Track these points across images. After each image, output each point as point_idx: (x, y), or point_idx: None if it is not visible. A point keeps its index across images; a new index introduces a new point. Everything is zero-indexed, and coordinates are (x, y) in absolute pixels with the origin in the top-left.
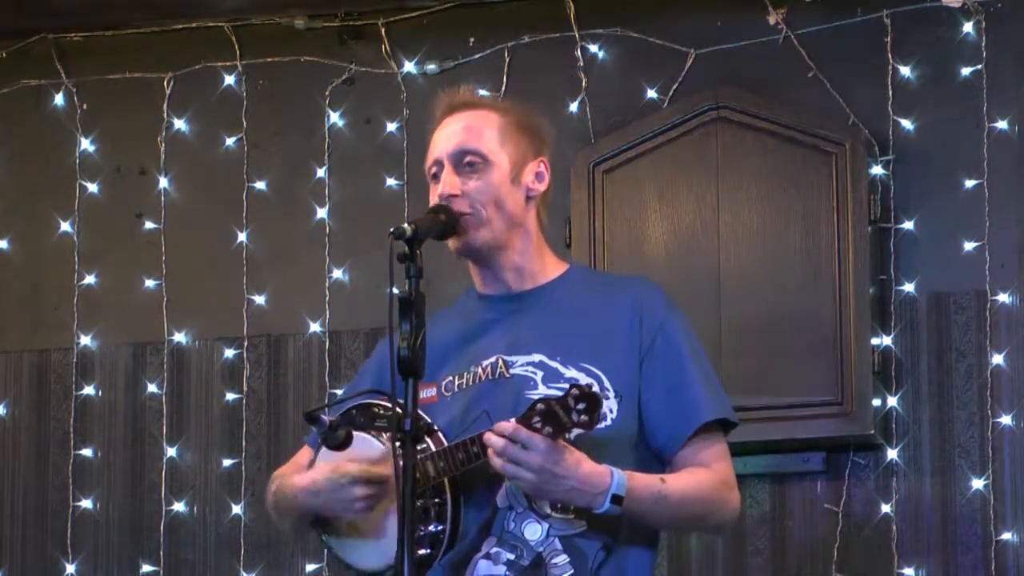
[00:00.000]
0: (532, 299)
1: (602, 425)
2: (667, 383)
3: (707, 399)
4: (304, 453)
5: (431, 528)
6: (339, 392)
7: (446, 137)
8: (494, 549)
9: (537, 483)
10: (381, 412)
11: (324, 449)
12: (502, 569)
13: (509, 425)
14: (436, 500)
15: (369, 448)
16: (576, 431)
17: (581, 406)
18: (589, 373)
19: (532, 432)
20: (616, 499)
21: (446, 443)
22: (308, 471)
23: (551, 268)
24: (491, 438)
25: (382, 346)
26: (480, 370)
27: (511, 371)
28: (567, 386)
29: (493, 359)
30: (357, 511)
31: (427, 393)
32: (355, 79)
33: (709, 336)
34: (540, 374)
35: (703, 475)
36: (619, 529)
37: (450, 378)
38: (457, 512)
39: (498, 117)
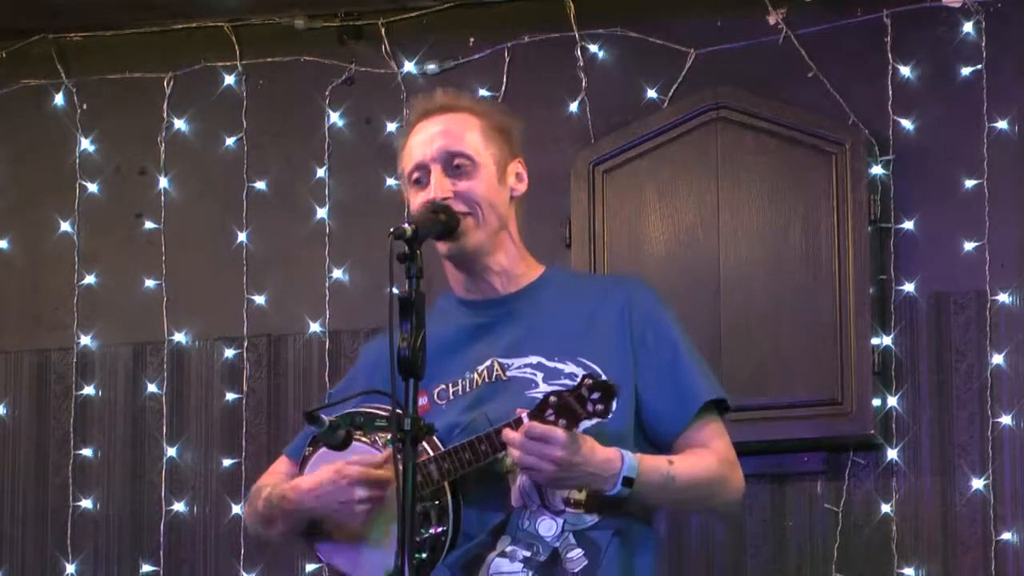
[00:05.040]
0: (519, 301)
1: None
2: (663, 371)
3: (703, 381)
4: (282, 463)
5: (432, 531)
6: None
7: (426, 141)
8: (509, 547)
9: (556, 474)
10: (379, 415)
11: (314, 459)
12: (518, 566)
13: (526, 423)
14: (436, 503)
15: (369, 454)
16: (592, 421)
17: (596, 395)
18: (586, 368)
19: (548, 426)
20: (627, 481)
21: (442, 447)
22: (307, 475)
23: (532, 270)
24: (509, 434)
25: (370, 351)
26: (476, 375)
27: (508, 374)
28: (578, 378)
29: (488, 363)
30: (358, 513)
31: (419, 401)
32: (355, 79)
33: (709, 336)
34: (540, 375)
35: (706, 455)
36: (629, 516)
37: (443, 386)
38: (458, 513)
39: (476, 120)
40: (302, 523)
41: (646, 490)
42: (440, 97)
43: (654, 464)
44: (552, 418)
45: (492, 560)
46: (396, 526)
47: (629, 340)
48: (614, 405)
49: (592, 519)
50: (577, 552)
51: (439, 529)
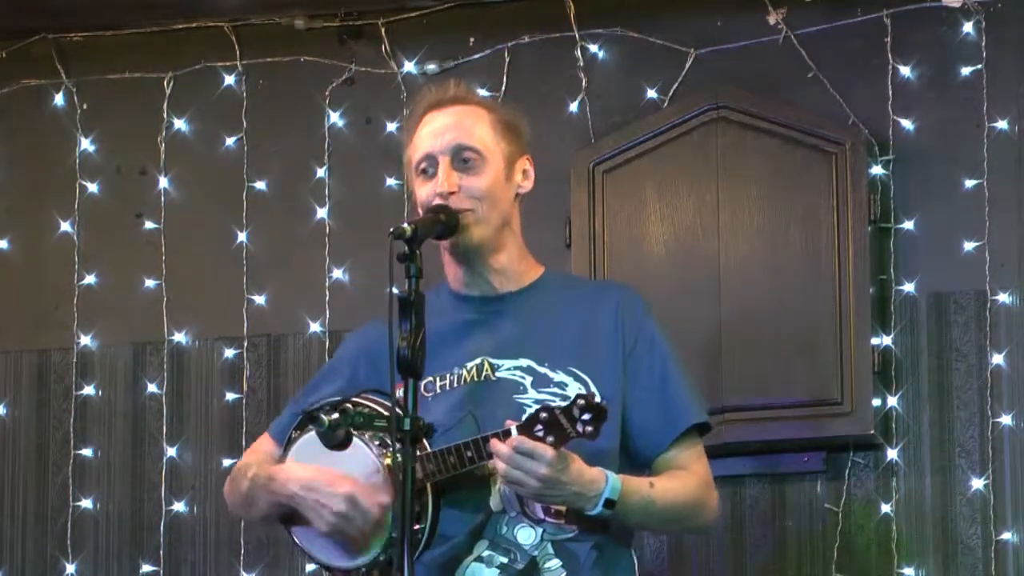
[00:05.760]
0: (515, 301)
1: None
2: (651, 386)
3: (689, 402)
4: (266, 442)
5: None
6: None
7: (437, 132)
8: (486, 552)
9: (540, 490)
10: (376, 411)
11: (300, 442)
12: (495, 572)
13: (514, 437)
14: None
15: (364, 466)
16: (579, 440)
17: (586, 416)
18: (577, 378)
19: (536, 442)
20: (608, 503)
21: (427, 445)
22: (301, 465)
23: (532, 271)
24: (497, 445)
25: (355, 340)
26: (464, 372)
27: (497, 374)
28: (570, 394)
29: (478, 361)
30: (326, 522)
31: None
32: (355, 79)
33: (709, 336)
34: (529, 379)
35: (686, 478)
36: (607, 530)
37: (430, 379)
38: (436, 512)
39: (487, 114)
40: (284, 507)
41: (626, 511)
42: (453, 88)
43: (636, 487)
44: (541, 433)
45: (469, 564)
46: (372, 527)
47: (621, 351)
48: (603, 428)
49: (572, 530)
50: (555, 562)
51: (415, 527)
